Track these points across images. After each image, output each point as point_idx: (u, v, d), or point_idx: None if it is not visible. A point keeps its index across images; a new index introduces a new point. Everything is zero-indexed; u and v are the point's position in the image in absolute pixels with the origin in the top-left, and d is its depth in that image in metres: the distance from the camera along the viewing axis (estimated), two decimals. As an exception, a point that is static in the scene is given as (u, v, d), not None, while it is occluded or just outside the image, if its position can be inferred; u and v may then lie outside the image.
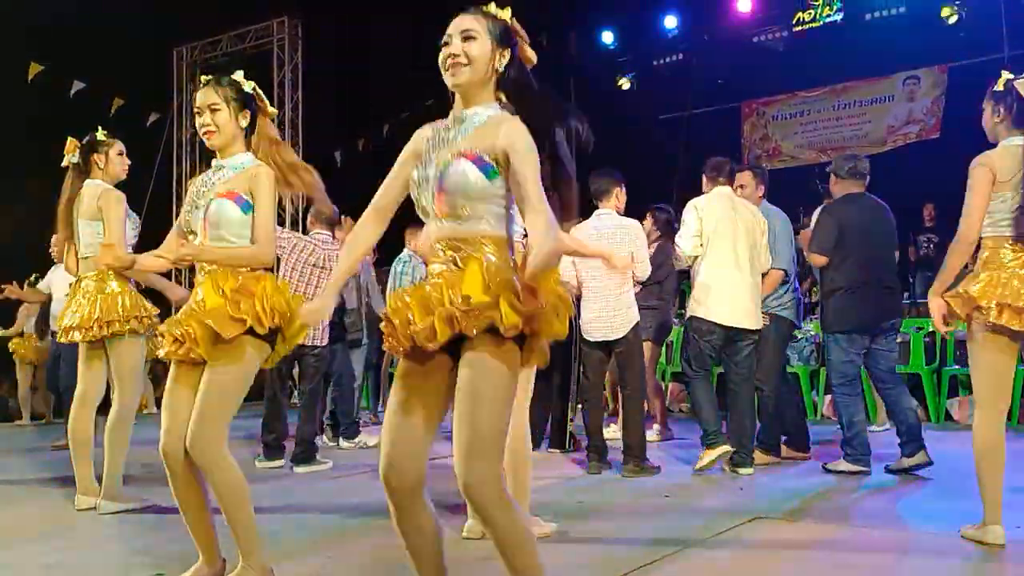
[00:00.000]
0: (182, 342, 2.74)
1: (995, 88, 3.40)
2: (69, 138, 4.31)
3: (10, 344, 9.27)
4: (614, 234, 4.96)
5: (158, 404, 9.85)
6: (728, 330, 4.95)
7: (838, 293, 4.91)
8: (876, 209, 5.06)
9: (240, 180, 2.85)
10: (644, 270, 5.03)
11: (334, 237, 6.06)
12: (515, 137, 2.05)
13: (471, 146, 2.09)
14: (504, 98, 2.18)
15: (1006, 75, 3.38)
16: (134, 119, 11.92)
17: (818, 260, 4.97)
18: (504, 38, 2.15)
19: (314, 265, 5.65)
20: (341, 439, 6.43)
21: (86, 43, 11.08)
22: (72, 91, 11.27)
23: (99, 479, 4.19)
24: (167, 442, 2.73)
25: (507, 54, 2.16)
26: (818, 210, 5.33)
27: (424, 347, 2.03)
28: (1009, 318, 3.18)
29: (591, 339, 5.07)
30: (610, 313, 4.96)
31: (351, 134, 13.07)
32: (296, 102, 13.33)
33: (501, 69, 2.16)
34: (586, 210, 5.11)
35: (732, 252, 4.96)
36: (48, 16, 10.86)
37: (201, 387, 2.71)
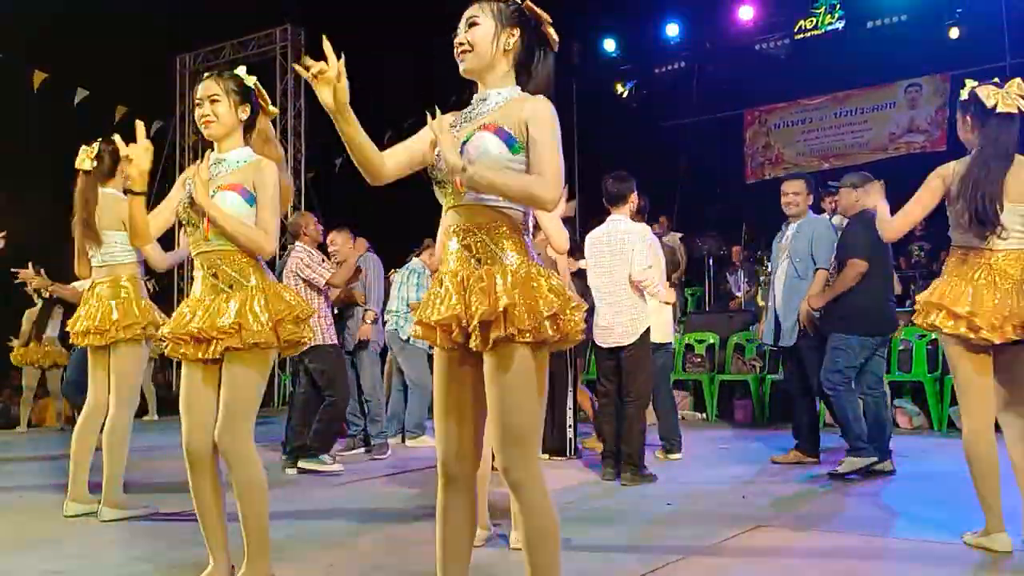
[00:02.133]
0: (205, 342, 2.74)
1: (961, 98, 3.41)
2: (96, 143, 4.32)
3: (16, 351, 9.27)
4: (623, 239, 5.01)
5: (159, 411, 9.90)
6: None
7: (864, 300, 4.98)
8: None
9: (244, 173, 2.85)
10: (634, 273, 4.94)
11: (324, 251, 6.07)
12: (539, 109, 2.08)
13: (495, 120, 2.11)
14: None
15: (970, 84, 3.40)
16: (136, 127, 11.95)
17: (862, 266, 4.99)
18: (511, 18, 2.17)
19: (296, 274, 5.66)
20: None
21: (89, 51, 11.12)
22: (76, 100, 11.30)
23: (99, 486, 4.18)
24: (190, 439, 2.75)
25: (515, 32, 2.17)
26: (835, 219, 5.46)
27: (463, 345, 2.08)
28: (944, 320, 3.21)
29: (603, 345, 5.08)
30: (620, 319, 4.98)
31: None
32: (298, 110, 13.37)
33: (510, 47, 2.17)
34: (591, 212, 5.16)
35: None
36: (51, 25, 10.91)
37: (225, 382, 2.73)
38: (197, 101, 2.89)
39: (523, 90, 2.19)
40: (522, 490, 2.04)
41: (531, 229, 2.23)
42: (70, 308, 8.61)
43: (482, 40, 2.14)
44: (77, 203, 4.26)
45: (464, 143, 2.10)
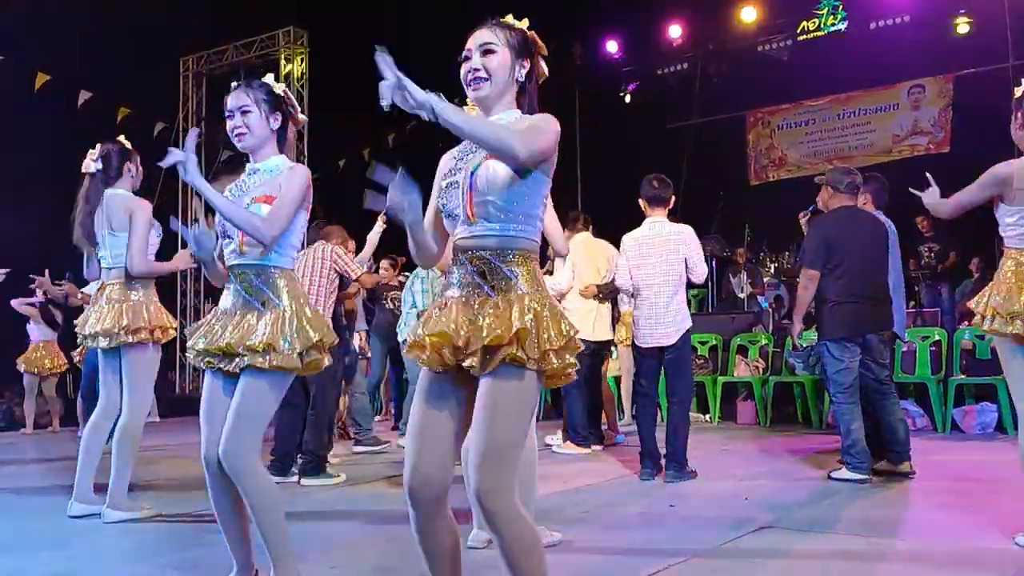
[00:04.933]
0: (231, 357, 2.73)
1: (1015, 95, 3.42)
2: (98, 144, 4.31)
3: (20, 357, 9.36)
4: (667, 240, 5.07)
5: (162, 413, 9.94)
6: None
7: (830, 304, 4.92)
8: (866, 222, 5.07)
9: (276, 183, 2.80)
10: (700, 274, 5.13)
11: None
12: (539, 116, 2.11)
13: None
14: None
15: None
16: (140, 129, 11.99)
17: (809, 275, 4.95)
18: (523, 48, 2.17)
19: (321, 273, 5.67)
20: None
21: (92, 53, 11.14)
22: (80, 101, 11.31)
23: (104, 487, 4.19)
24: (208, 450, 2.73)
25: (527, 63, 2.18)
26: (803, 221, 5.41)
27: (456, 367, 2.05)
28: (1002, 324, 3.22)
29: (644, 345, 5.11)
30: (662, 320, 5.03)
31: (355, 143, 13.12)
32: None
33: (522, 79, 2.18)
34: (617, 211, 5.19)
35: None
36: (54, 27, 10.93)
37: (239, 394, 2.71)
38: (228, 113, 2.83)
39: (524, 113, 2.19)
40: (499, 517, 1.97)
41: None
42: (66, 312, 8.70)
43: (500, 70, 2.13)
44: (78, 203, 4.25)
45: (472, 173, 2.07)
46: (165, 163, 2.63)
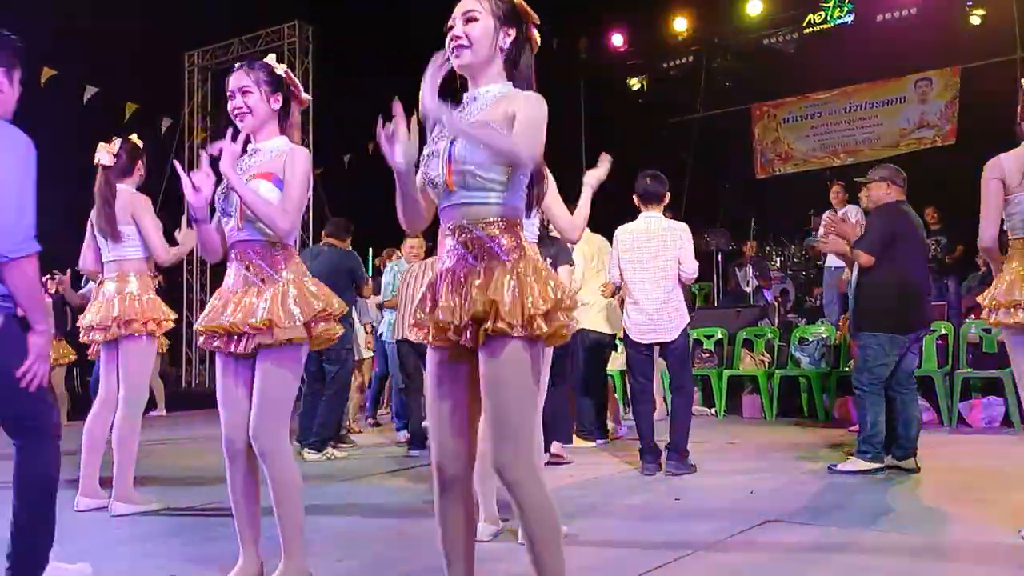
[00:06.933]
0: (237, 337, 2.74)
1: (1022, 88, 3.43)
2: (115, 138, 4.35)
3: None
4: (663, 236, 5.05)
5: (168, 406, 9.96)
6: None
7: (889, 294, 4.88)
8: (916, 219, 5.13)
9: (277, 161, 2.82)
10: (690, 274, 5.10)
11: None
12: (528, 97, 2.09)
13: (484, 117, 2.10)
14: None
15: None
16: (146, 124, 12.00)
17: (865, 259, 4.92)
18: (508, 16, 2.17)
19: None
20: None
21: (97, 48, 11.16)
22: (86, 97, 11.32)
23: (110, 481, 4.21)
24: (229, 435, 2.75)
25: (512, 32, 2.18)
26: (847, 209, 5.39)
27: (458, 343, 2.08)
28: (1006, 315, 3.23)
29: (641, 341, 5.10)
30: (660, 316, 5.02)
31: (361, 138, 13.11)
32: (307, 107, 13.41)
33: (506, 47, 2.17)
34: (614, 208, 5.21)
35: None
36: (60, 21, 10.94)
37: (258, 380, 2.72)
38: (229, 93, 2.85)
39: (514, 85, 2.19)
40: (519, 488, 2.01)
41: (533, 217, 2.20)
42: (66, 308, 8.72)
43: (482, 37, 2.14)
44: (97, 199, 4.28)
45: (452, 141, 2.08)
46: (211, 149, 2.73)
